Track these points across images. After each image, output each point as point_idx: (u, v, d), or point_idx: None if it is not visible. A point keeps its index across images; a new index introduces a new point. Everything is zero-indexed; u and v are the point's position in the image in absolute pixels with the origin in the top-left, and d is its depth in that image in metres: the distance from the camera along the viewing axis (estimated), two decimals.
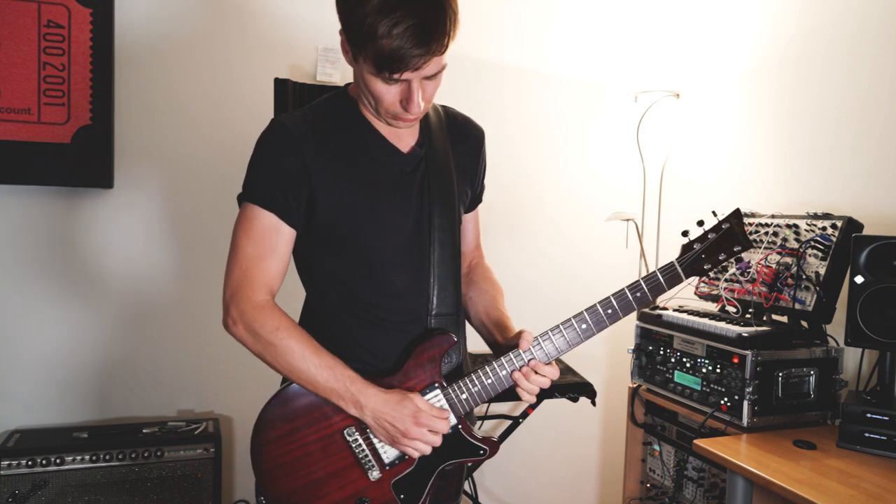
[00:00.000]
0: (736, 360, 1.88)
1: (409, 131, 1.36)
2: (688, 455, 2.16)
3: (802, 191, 2.33)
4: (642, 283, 1.31)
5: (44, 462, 2.04)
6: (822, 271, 1.91)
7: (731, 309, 2.08)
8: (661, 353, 2.18)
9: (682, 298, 2.25)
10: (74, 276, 2.32)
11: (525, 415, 2.42)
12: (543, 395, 2.30)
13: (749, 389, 1.83)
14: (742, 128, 2.63)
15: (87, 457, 2.08)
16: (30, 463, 2.03)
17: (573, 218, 2.99)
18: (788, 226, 2.06)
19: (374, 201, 1.31)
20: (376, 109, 1.28)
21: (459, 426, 1.32)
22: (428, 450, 1.27)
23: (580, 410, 2.66)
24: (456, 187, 1.40)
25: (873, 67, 2.10)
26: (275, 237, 1.28)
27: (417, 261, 1.35)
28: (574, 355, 2.41)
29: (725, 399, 1.90)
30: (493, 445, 1.34)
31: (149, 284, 2.40)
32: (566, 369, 2.53)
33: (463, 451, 1.33)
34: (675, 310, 2.20)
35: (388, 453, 1.31)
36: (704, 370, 2.00)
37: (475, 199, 1.53)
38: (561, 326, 1.31)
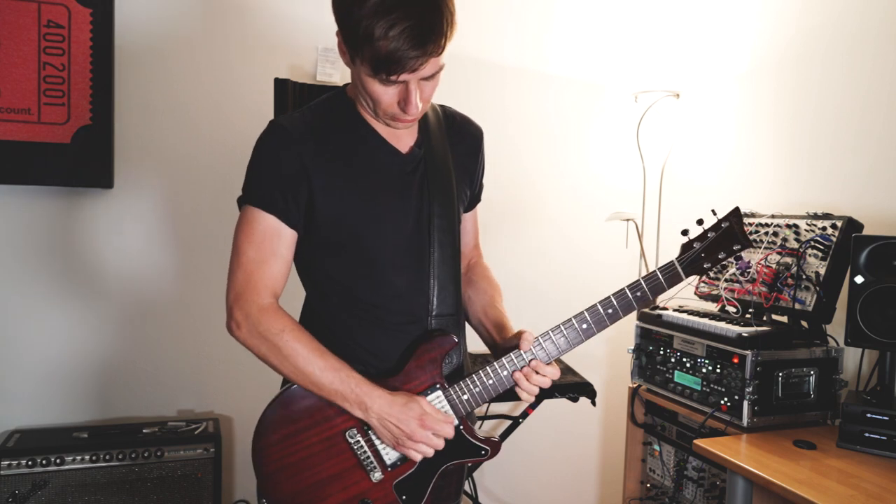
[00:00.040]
0: (736, 360, 1.88)
1: (407, 131, 1.36)
2: (688, 455, 2.16)
3: (802, 191, 2.33)
4: (642, 282, 1.31)
5: (44, 462, 2.04)
6: (822, 271, 1.91)
7: (731, 309, 2.08)
8: (661, 353, 2.18)
9: (682, 298, 2.25)
10: (74, 276, 2.32)
11: (525, 415, 2.42)
12: (543, 395, 2.30)
13: (749, 389, 1.83)
14: (742, 128, 2.63)
15: (87, 457, 2.08)
16: (30, 463, 2.03)
17: (573, 218, 2.99)
18: (788, 226, 2.06)
19: (374, 202, 1.31)
20: (374, 111, 1.28)
21: (461, 427, 1.32)
22: (431, 452, 1.27)
23: (580, 410, 2.66)
24: (455, 187, 1.40)
25: (873, 67, 2.11)
26: (276, 240, 1.28)
27: (417, 261, 1.35)
28: (574, 355, 2.40)
29: (725, 399, 1.90)
30: (494, 445, 1.34)
31: (149, 284, 2.40)
32: (566, 369, 2.53)
33: (465, 451, 1.33)
34: (675, 310, 2.20)
35: (390, 454, 1.31)
36: (704, 370, 2.00)
37: (474, 199, 1.53)
38: (561, 326, 1.31)
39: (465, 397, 1.31)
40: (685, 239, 1.33)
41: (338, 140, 1.31)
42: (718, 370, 1.95)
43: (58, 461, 2.05)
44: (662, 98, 2.74)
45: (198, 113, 2.43)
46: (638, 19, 2.99)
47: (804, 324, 1.99)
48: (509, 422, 2.45)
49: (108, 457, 2.10)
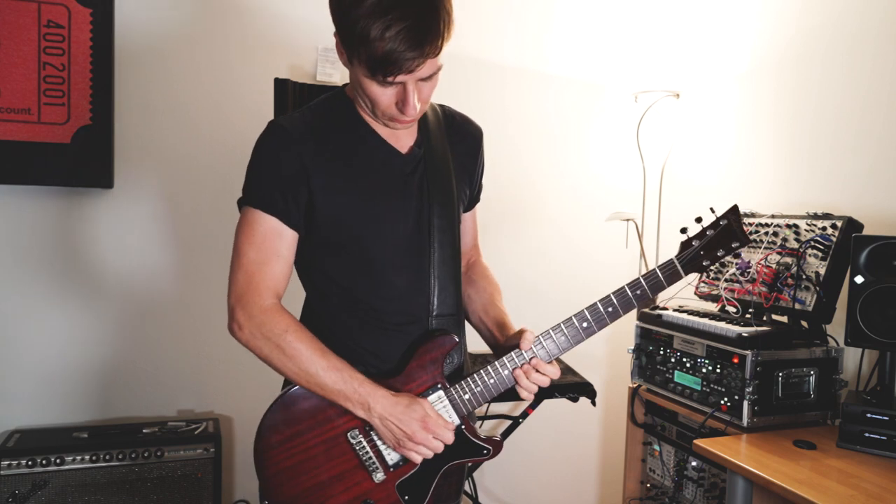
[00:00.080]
0: (736, 360, 1.88)
1: (407, 131, 1.36)
2: (688, 455, 2.15)
3: (802, 191, 2.33)
4: (642, 280, 1.31)
5: (44, 462, 2.04)
6: (822, 271, 1.91)
7: (731, 309, 2.08)
8: (661, 353, 2.18)
9: (683, 298, 2.25)
10: (74, 276, 2.32)
11: (525, 415, 2.42)
12: (543, 394, 2.32)
13: (749, 389, 1.83)
14: (742, 128, 2.63)
15: (87, 457, 2.08)
16: (30, 463, 2.03)
17: (573, 218, 2.99)
18: (788, 226, 2.06)
19: (373, 202, 1.31)
20: (373, 111, 1.28)
21: (463, 426, 1.32)
22: (430, 454, 1.27)
23: (580, 410, 2.66)
24: (455, 187, 1.40)
25: (873, 67, 2.11)
26: (277, 241, 1.28)
27: (417, 261, 1.35)
28: (574, 355, 2.40)
29: (725, 399, 1.90)
30: (496, 445, 1.34)
31: (149, 284, 2.40)
32: (566, 369, 2.53)
33: (467, 450, 1.33)
34: (675, 310, 2.20)
35: (392, 455, 1.31)
36: (704, 370, 2.00)
37: (473, 199, 1.53)
38: (562, 325, 1.31)
39: (467, 396, 1.31)
40: (684, 237, 1.34)
41: (337, 140, 1.31)
42: (718, 370, 1.95)
43: (58, 461, 2.05)
44: (662, 98, 2.74)
45: (198, 113, 2.43)
46: (638, 19, 2.99)
47: (804, 324, 1.99)
48: (509, 422, 2.45)
49: (108, 457, 2.10)
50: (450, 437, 1.28)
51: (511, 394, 1.33)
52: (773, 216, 2.15)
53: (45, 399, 2.30)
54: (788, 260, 2.00)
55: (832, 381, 1.94)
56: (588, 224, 2.97)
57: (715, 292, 2.18)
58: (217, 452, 2.21)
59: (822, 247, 1.94)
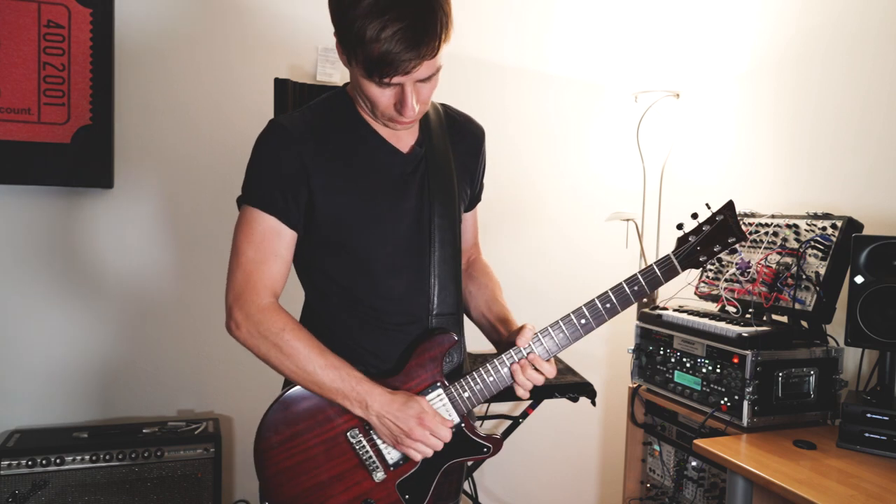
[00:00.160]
0: (736, 360, 1.88)
1: (408, 131, 1.36)
2: (688, 455, 2.15)
3: (802, 191, 2.33)
4: (639, 276, 1.31)
5: (44, 462, 2.04)
6: (822, 271, 1.91)
7: (731, 309, 2.08)
8: (661, 353, 2.18)
9: (682, 298, 2.25)
10: (74, 276, 2.32)
11: (525, 415, 2.43)
12: (543, 395, 2.32)
13: (749, 389, 1.83)
14: (742, 128, 2.63)
15: (87, 457, 2.08)
16: (30, 463, 2.03)
17: (573, 218, 2.99)
18: (788, 226, 2.06)
19: (374, 202, 1.31)
20: (372, 112, 1.28)
21: (462, 424, 1.32)
22: (429, 452, 1.27)
23: (580, 410, 2.66)
24: (456, 187, 1.40)
25: (873, 67, 2.11)
26: (276, 240, 1.28)
27: (417, 261, 1.35)
28: (574, 355, 2.41)
29: (725, 399, 1.90)
30: (496, 443, 1.34)
31: (149, 284, 2.40)
32: (566, 369, 2.53)
33: (467, 449, 1.33)
34: (675, 310, 2.20)
35: (392, 454, 1.31)
36: (704, 370, 2.00)
37: (475, 199, 1.53)
38: (560, 322, 1.31)
39: (466, 395, 1.31)
40: (681, 233, 1.34)
41: (338, 140, 1.31)
42: (718, 370, 1.95)
43: (58, 461, 2.05)
44: (662, 98, 2.74)
45: (198, 113, 2.43)
46: (638, 19, 2.99)
47: (804, 324, 1.99)
48: (509, 422, 2.45)
49: (108, 457, 2.10)
50: (447, 434, 1.27)
51: (510, 393, 1.34)
52: (773, 216, 2.15)
53: (45, 399, 2.30)
54: (788, 260, 2.00)
55: (832, 381, 1.94)
56: (588, 224, 2.97)
57: (715, 292, 2.18)
58: (217, 452, 2.21)
59: (822, 247, 1.94)
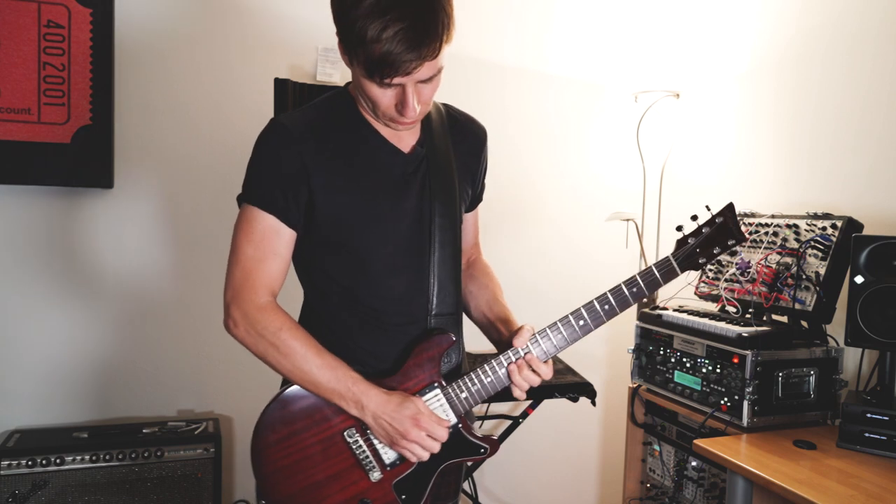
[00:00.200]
0: (736, 360, 1.88)
1: (410, 131, 1.35)
2: (688, 455, 2.15)
3: (802, 191, 2.33)
4: (638, 278, 1.31)
5: (44, 462, 2.04)
6: (822, 271, 1.91)
7: (731, 309, 2.08)
8: (661, 353, 2.18)
9: (682, 298, 2.25)
10: (74, 276, 2.32)
11: (525, 415, 2.43)
12: (543, 395, 2.32)
13: (749, 389, 1.83)
14: (742, 128, 2.63)
15: (87, 457, 2.08)
16: (30, 463, 2.03)
17: (573, 218, 2.99)
18: (788, 226, 2.06)
19: (374, 202, 1.31)
20: (374, 112, 1.28)
21: (460, 425, 1.32)
22: (425, 455, 1.27)
23: (580, 410, 2.66)
24: (457, 187, 1.40)
25: (873, 67, 2.11)
26: (275, 239, 1.28)
27: (417, 261, 1.35)
28: (574, 355, 2.41)
29: (725, 399, 1.90)
30: (493, 444, 1.34)
31: (149, 284, 2.40)
32: (566, 369, 2.53)
33: (464, 449, 1.33)
34: (675, 310, 2.20)
35: (389, 454, 1.30)
36: (704, 370, 2.00)
37: (476, 199, 1.53)
38: (558, 323, 1.31)
39: (464, 395, 1.31)
40: (680, 234, 1.34)
41: (339, 139, 1.30)
42: (718, 370, 1.95)
43: (58, 461, 2.05)
44: (662, 98, 2.74)
45: (198, 113, 2.43)
46: (638, 19, 2.99)
47: (804, 324, 1.99)
48: (509, 422, 2.45)
49: (108, 457, 2.10)
50: (444, 434, 1.27)
51: (510, 393, 1.33)
52: (773, 216, 2.15)
53: (45, 399, 2.30)
54: (788, 260, 2.00)
55: (832, 381, 1.94)
56: (588, 224, 2.97)
57: (715, 292, 2.18)
58: (217, 452, 2.21)
59: (822, 247, 1.94)
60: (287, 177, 1.26)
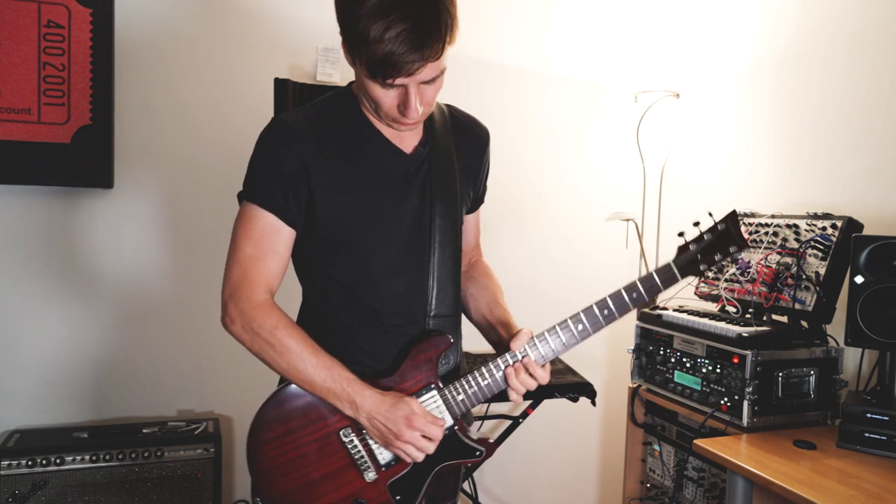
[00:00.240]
0: (736, 360, 1.87)
1: (412, 131, 1.35)
2: (688, 455, 2.15)
3: (802, 191, 2.33)
4: (639, 283, 1.30)
5: (44, 462, 2.04)
6: (822, 271, 1.91)
7: (731, 309, 2.08)
8: (661, 353, 2.18)
9: (682, 298, 2.25)
10: (74, 276, 2.32)
11: (525, 415, 2.42)
12: (543, 395, 2.32)
13: (749, 389, 1.83)
14: (742, 128, 2.63)
15: (87, 457, 2.08)
16: (30, 463, 2.03)
17: (573, 218, 2.99)
18: (788, 226, 2.06)
19: (376, 202, 1.31)
20: (376, 112, 1.27)
21: (455, 427, 1.31)
22: (420, 456, 1.27)
23: (580, 410, 2.66)
24: (458, 188, 1.40)
25: (873, 67, 2.10)
26: (274, 237, 1.28)
27: (417, 261, 1.35)
28: (574, 355, 2.40)
29: (725, 399, 1.90)
30: (489, 447, 1.34)
31: (149, 284, 2.40)
32: (566, 369, 2.53)
33: (459, 452, 1.33)
34: (675, 310, 2.20)
35: (384, 454, 1.30)
36: (704, 370, 2.00)
37: (477, 200, 1.53)
38: (557, 327, 1.30)
39: (461, 398, 1.31)
40: (682, 240, 1.33)
41: (340, 139, 1.30)
42: (718, 370, 1.95)
43: (58, 461, 2.05)
44: (662, 98, 2.74)
45: (198, 113, 2.43)
46: (638, 19, 2.99)
47: (804, 324, 1.99)
48: (509, 422, 2.45)
49: (108, 457, 2.10)
50: (438, 433, 1.27)
51: (507, 395, 1.33)
52: (773, 216, 2.15)
53: (45, 399, 2.30)
54: (788, 260, 2.00)
55: (832, 381, 1.94)
56: (588, 224, 2.97)
57: (715, 292, 2.18)
58: (217, 452, 2.21)
59: (822, 247, 1.94)
60: (287, 176, 1.26)
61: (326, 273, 1.34)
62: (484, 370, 1.30)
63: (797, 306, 1.95)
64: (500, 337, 1.41)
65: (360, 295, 1.32)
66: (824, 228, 1.96)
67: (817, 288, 1.90)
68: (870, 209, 2.05)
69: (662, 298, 2.37)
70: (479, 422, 2.66)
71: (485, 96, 2.80)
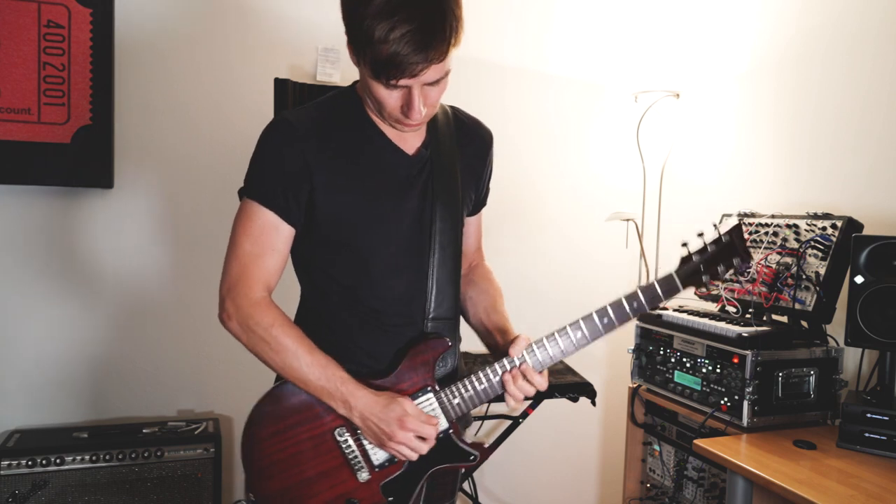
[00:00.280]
0: (736, 360, 1.87)
1: (415, 132, 1.34)
2: (688, 455, 2.15)
3: (802, 191, 2.33)
4: (640, 293, 1.29)
5: (44, 462, 2.04)
6: (822, 271, 1.91)
7: (731, 309, 2.08)
8: (661, 353, 2.18)
9: (683, 298, 2.24)
10: (74, 276, 2.32)
11: (525, 415, 2.42)
12: (543, 395, 2.31)
13: (749, 389, 1.83)
14: (742, 128, 2.63)
15: (87, 457, 2.08)
16: (30, 463, 2.03)
17: (573, 218, 2.99)
18: (788, 226, 2.06)
19: (377, 202, 1.31)
20: (379, 113, 1.27)
21: (450, 430, 1.31)
22: (414, 455, 1.26)
23: (580, 410, 2.66)
24: (460, 190, 1.39)
25: (873, 67, 2.10)
26: (274, 235, 1.28)
27: (417, 263, 1.34)
28: (574, 355, 2.40)
29: (725, 399, 1.90)
30: (483, 452, 1.33)
31: (149, 284, 2.40)
32: (566, 369, 2.53)
33: (453, 455, 1.32)
34: (675, 310, 2.20)
35: (378, 455, 1.30)
36: (704, 370, 2.00)
37: (479, 203, 1.52)
38: (556, 334, 1.29)
39: (457, 401, 1.30)
40: (685, 251, 1.30)
41: (342, 138, 1.30)
42: (718, 370, 1.95)
43: (58, 461, 2.05)
44: (662, 98, 2.74)
45: (198, 113, 2.42)
46: (638, 19, 2.99)
47: (804, 324, 1.99)
48: (509, 422, 2.45)
49: (108, 457, 2.10)
50: (432, 433, 1.26)
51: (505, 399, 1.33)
52: (773, 216, 2.15)
53: (45, 399, 2.30)
54: (788, 260, 2.00)
55: (832, 381, 1.94)
56: (588, 224, 2.97)
57: (715, 292, 2.18)
58: (217, 452, 2.21)
59: (822, 247, 1.94)
60: (289, 175, 1.26)
61: (326, 273, 1.34)
62: (481, 374, 1.30)
63: (797, 306, 1.95)
64: (497, 343, 1.40)
65: (360, 295, 1.32)
66: (824, 228, 1.96)
67: (817, 288, 1.91)
68: (870, 209, 2.05)
69: None
70: (480, 422, 2.66)
71: (485, 96, 2.80)
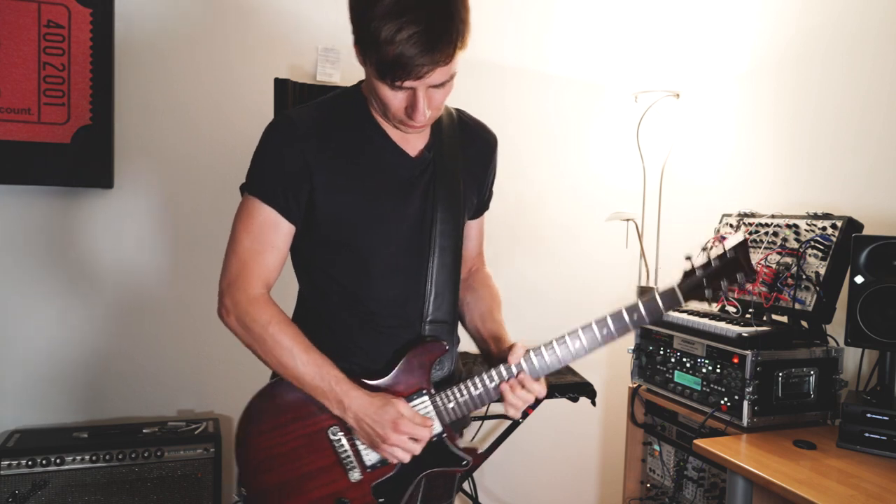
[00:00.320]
0: (736, 360, 1.87)
1: (419, 134, 1.34)
2: (688, 455, 2.15)
3: (802, 191, 2.33)
4: (641, 305, 1.27)
5: (44, 462, 2.04)
6: (822, 271, 1.91)
7: (731, 309, 2.08)
8: (661, 352, 2.18)
9: None
10: (74, 276, 2.32)
11: (525, 415, 2.41)
12: None
13: (749, 389, 1.83)
14: (742, 128, 2.63)
15: (87, 457, 2.08)
16: (30, 463, 2.03)
17: (573, 218, 2.99)
18: (788, 226, 2.06)
19: (377, 202, 1.30)
20: (384, 114, 1.27)
21: (444, 434, 1.31)
22: (406, 457, 1.26)
23: (580, 410, 2.66)
24: (462, 194, 1.38)
25: (873, 67, 2.10)
26: (274, 232, 1.28)
27: (416, 265, 1.34)
28: None
29: (725, 399, 1.90)
30: (476, 457, 1.33)
31: (149, 284, 2.40)
32: (566, 369, 2.53)
33: (445, 460, 1.32)
34: (675, 310, 2.19)
35: (371, 456, 1.30)
36: (704, 370, 2.00)
37: (481, 206, 1.52)
38: (554, 343, 1.28)
39: (451, 405, 1.30)
40: (688, 265, 1.29)
41: (343, 138, 1.30)
42: (718, 370, 1.95)
43: (58, 461, 2.05)
44: (662, 98, 2.74)
45: (198, 113, 2.42)
46: (638, 19, 2.99)
47: (804, 324, 1.99)
48: (509, 422, 2.45)
49: (108, 457, 2.10)
50: (425, 434, 1.26)
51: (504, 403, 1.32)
52: (773, 216, 2.15)
53: (45, 399, 2.30)
54: (788, 260, 2.00)
55: (832, 381, 1.94)
56: (588, 224, 2.97)
57: None
58: (217, 452, 2.21)
59: (822, 247, 1.94)
60: (289, 174, 1.26)
61: (326, 273, 1.34)
62: (477, 380, 1.29)
63: (797, 306, 1.95)
64: (490, 350, 1.39)
65: (360, 295, 1.32)
66: (824, 228, 1.96)
67: (817, 288, 1.91)
68: (870, 209, 2.05)
69: None
70: (480, 422, 2.66)
71: (485, 96, 2.79)
